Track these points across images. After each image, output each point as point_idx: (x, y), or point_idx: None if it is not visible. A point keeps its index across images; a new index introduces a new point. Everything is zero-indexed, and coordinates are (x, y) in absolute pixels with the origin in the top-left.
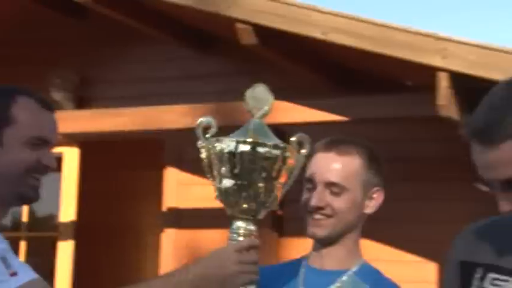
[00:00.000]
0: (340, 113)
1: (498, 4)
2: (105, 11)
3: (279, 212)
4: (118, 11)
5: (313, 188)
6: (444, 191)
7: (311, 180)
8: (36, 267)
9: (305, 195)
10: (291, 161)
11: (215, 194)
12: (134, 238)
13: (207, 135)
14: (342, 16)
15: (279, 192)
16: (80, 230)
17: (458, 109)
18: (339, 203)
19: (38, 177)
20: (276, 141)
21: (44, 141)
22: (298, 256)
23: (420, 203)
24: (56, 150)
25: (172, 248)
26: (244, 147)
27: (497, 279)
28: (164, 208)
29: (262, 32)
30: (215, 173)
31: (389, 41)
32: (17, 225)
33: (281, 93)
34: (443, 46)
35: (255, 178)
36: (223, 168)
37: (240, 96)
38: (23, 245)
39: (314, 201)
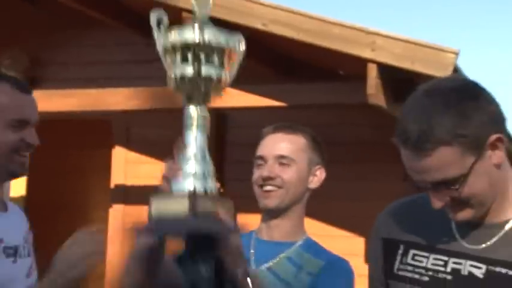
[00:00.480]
0: (281, 99)
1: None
2: None
3: (221, 190)
4: None
5: (264, 163)
6: (373, 171)
7: (261, 157)
8: None
9: (256, 172)
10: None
11: (171, 84)
12: (83, 214)
13: (161, 27)
14: (282, 9)
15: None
16: (28, 206)
17: (386, 97)
18: (287, 174)
19: (24, 154)
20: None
21: (25, 122)
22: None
23: (350, 183)
24: None
25: (119, 223)
26: (201, 36)
27: (417, 254)
28: (112, 185)
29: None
30: (170, 62)
31: (325, 34)
32: None
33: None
34: (372, 40)
35: (209, 64)
36: (179, 57)
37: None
38: None
39: (266, 172)
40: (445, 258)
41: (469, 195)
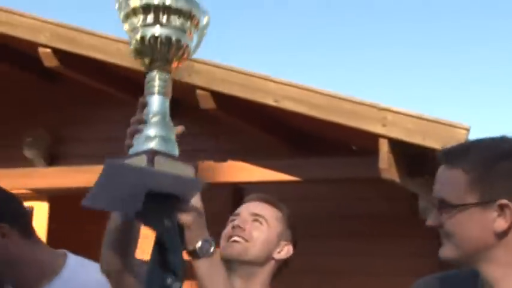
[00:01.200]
0: (294, 173)
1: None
2: (74, 75)
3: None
4: (85, 75)
5: (238, 218)
6: (387, 246)
7: (237, 213)
8: None
9: (227, 227)
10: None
11: (132, 48)
12: None
13: None
14: (293, 86)
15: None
16: None
17: (399, 171)
18: (257, 231)
19: None
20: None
21: None
22: None
23: (365, 257)
24: (27, 204)
25: None
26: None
27: None
28: None
29: (220, 97)
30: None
31: (336, 110)
32: None
33: (239, 153)
34: (383, 115)
35: (170, 27)
36: (149, 17)
37: (202, 155)
38: None
39: (237, 222)
40: None
41: (452, 231)
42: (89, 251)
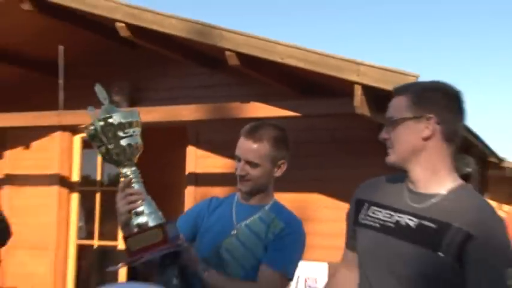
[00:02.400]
0: (296, 110)
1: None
2: (143, 43)
3: None
4: (150, 43)
5: (239, 162)
6: (363, 161)
7: (238, 157)
8: None
9: (236, 166)
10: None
11: (104, 157)
12: (168, 194)
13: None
14: (293, 47)
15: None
16: None
17: (369, 108)
18: (254, 172)
19: None
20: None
21: None
22: None
23: (351, 168)
24: None
25: (192, 199)
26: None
27: (375, 210)
28: (187, 173)
29: (242, 57)
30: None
31: (324, 64)
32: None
33: (258, 97)
34: (357, 68)
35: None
36: (120, 133)
37: (231, 98)
38: (97, 196)
39: (238, 171)
40: (392, 213)
41: (395, 139)
42: (158, 169)
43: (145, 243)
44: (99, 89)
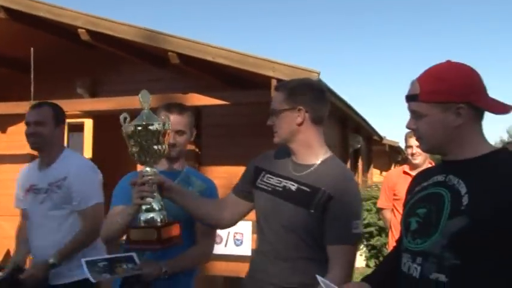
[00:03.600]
0: (225, 99)
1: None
2: (101, 45)
3: (199, 152)
4: (109, 45)
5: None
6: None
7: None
8: None
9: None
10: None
11: (133, 155)
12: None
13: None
14: (222, 49)
15: (163, 149)
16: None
17: None
18: (180, 140)
19: None
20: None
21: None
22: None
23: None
24: (80, 120)
25: None
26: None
27: (269, 177)
28: None
29: (182, 56)
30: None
31: (247, 62)
32: None
33: (195, 88)
34: (273, 65)
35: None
36: (154, 140)
37: (174, 90)
38: None
39: (170, 140)
40: (281, 179)
41: (277, 126)
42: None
43: (143, 238)
44: (144, 94)
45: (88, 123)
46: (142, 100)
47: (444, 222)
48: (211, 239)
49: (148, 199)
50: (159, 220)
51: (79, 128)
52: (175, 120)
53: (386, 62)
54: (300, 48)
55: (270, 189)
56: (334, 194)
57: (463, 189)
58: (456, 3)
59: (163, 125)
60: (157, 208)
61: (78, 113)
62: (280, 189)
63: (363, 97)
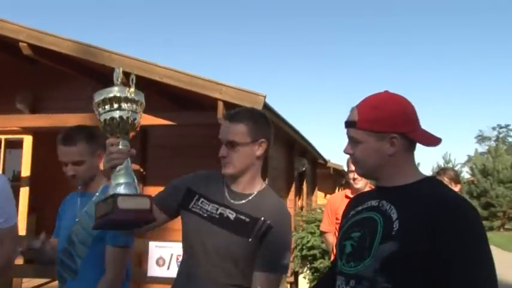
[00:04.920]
0: (173, 119)
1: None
2: (43, 60)
3: (144, 172)
4: (52, 61)
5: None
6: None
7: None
8: None
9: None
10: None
11: (102, 125)
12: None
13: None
14: (169, 69)
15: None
16: (32, 181)
17: None
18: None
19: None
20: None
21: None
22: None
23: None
24: (19, 137)
25: None
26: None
27: (204, 202)
28: None
29: (129, 75)
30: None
31: (194, 84)
32: None
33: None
34: (220, 88)
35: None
36: (107, 107)
37: None
38: None
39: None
40: (217, 206)
41: (235, 159)
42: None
43: (134, 207)
44: (118, 72)
45: (27, 140)
46: (116, 77)
47: (377, 246)
48: (121, 265)
49: (121, 167)
50: (133, 193)
51: (18, 145)
52: (69, 151)
53: (332, 86)
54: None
55: (205, 215)
56: (273, 224)
57: (394, 215)
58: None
59: (136, 93)
60: (129, 181)
61: (17, 129)
62: (217, 216)
63: (308, 120)
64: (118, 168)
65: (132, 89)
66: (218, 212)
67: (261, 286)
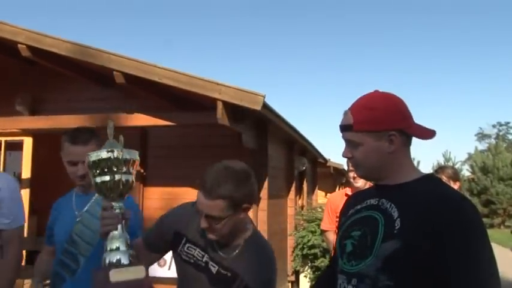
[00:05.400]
0: (172, 120)
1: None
2: (42, 62)
3: (144, 173)
4: (51, 62)
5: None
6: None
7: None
8: None
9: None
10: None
11: (96, 189)
12: (62, 188)
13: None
14: (168, 69)
15: (133, 181)
16: (33, 182)
17: (228, 119)
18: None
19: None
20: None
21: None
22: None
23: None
24: (19, 138)
25: None
26: (116, 154)
27: (190, 247)
28: None
29: (127, 76)
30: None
31: (193, 84)
32: None
33: (141, 109)
34: (219, 88)
35: (123, 173)
36: (98, 170)
37: (118, 110)
38: None
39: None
40: (203, 254)
41: (219, 229)
42: (64, 167)
43: (127, 279)
44: (110, 126)
45: (27, 142)
46: (109, 131)
47: (378, 245)
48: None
49: (115, 233)
50: (126, 262)
51: (18, 147)
52: (80, 151)
53: (331, 85)
54: (247, 72)
55: (192, 261)
56: (251, 285)
57: (395, 214)
58: (402, 33)
59: (130, 153)
60: (122, 249)
61: (17, 130)
62: (203, 264)
63: (308, 120)
64: (111, 234)
65: (120, 152)
66: (204, 260)
67: None
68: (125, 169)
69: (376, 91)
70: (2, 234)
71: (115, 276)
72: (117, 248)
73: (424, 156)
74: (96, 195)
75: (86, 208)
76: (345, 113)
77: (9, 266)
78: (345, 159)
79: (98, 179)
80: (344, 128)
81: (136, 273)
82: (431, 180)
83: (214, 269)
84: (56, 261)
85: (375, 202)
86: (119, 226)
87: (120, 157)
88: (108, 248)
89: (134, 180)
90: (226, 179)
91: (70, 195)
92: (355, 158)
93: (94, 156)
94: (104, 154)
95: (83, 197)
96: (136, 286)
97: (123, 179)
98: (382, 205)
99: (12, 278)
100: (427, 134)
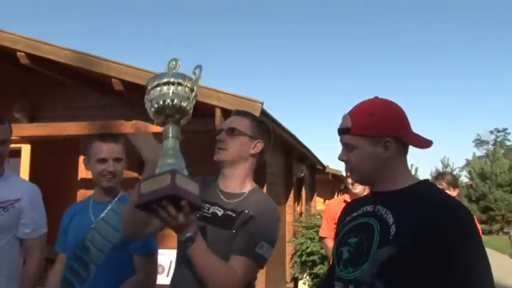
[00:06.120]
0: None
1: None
2: (40, 69)
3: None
4: (50, 69)
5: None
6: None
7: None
8: None
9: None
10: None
11: (153, 110)
12: (63, 195)
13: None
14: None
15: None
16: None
17: None
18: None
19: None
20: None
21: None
22: None
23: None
24: (17, 146)
25: None
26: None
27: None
28: (79, 178)
29: (126, 83)
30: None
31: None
32: None
33: (140, 116)
34: (218, 95)
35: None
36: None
37: (117, 117)
38: None
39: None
40: (209, 206)
41: (230, 145)
42: (59, 170)
43: (155, 187)
44: (173, 64)
45: (26, 149)
46: (171, 69)
47: (374, 251)
48: (151, 270)
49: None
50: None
51: (16, 154)
52: (111, 148)
53: (330, 92)
54: (245, 79)
55: (198, 215)
56: (255, 215)
57: (390, 220)
58: (399, 42)
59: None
60: (173, 162)
61: (15, 138)
62: (209, 215)
63: (307, 126)
64: (166, 149)
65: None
66: (210, 212)
67: (234, 265)
68: (187, 90)
69: (376, 98)
70: (24, 243)
71: (179, 180)
72: (174, 163)
73: (422, 162)
74: (113, 202)
75: (102, 215)
76: (344, 117)
77: (30, 274)
78: (344, 166)
79: (159, 98)
80: (342, 131)
81: (195, 188)
82: (426, 186)
83: (220, 212)
84: (66, 266)
85: (370, 209)
86: (176, 143)
87: (184, 83)
88: (165, 161)
89: (190, 109)
90: (255, 116)
91: (87, 200)
92: (351, 162)
93: (158, 78)
94: (168, 75)
95: (100, 204)
96: (195, 200)
97: (183, 103)
98: (377, 211)
99: (32, 286)
100: (424, 143)
